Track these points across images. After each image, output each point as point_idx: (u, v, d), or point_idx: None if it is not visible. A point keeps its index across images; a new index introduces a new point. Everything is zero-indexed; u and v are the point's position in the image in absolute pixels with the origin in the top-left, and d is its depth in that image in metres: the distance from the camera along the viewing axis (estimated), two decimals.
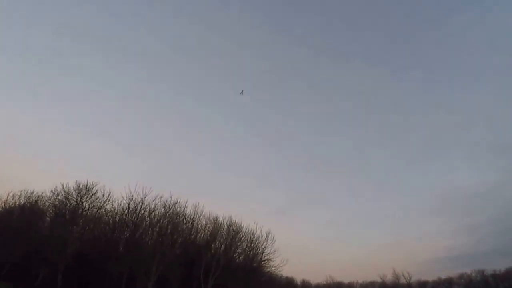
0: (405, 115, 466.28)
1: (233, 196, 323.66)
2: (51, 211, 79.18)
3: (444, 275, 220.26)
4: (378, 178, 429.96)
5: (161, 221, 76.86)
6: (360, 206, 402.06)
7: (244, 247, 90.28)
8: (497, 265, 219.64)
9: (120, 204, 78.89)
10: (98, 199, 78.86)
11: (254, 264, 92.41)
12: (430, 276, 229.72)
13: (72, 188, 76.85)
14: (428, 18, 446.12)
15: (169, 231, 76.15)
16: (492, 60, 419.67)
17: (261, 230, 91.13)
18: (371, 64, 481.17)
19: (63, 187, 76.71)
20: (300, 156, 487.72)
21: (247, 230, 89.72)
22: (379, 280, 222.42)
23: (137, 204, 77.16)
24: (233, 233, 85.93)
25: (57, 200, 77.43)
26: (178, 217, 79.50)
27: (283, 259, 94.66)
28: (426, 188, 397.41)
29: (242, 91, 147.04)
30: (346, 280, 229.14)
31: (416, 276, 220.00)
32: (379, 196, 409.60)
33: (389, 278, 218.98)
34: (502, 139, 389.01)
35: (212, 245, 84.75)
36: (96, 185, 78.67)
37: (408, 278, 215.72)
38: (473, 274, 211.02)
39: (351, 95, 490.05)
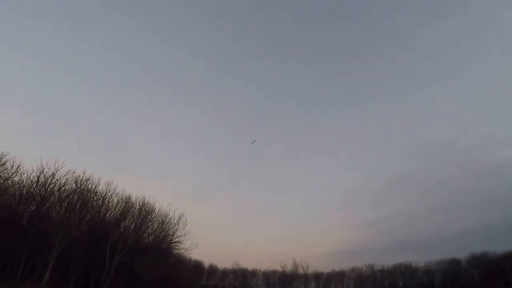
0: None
1: (150, 175, 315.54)
2: None
3: (338, 267, 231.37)
4: (289, 171, 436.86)
5: (71, 196, 71.47)
6: (270, 197, 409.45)
7: (155, 227, 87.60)
8: (387, 261, 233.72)
9: (29, 177, 72.08)
10: (6, 170, 70.89)
11: (164, 245, 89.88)
12: (326, 268, 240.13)
13: None
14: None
15: (77, 207, 71.01)
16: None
17: (174, 213, 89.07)
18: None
19: None
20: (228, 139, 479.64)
21: (159, 211, 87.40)
22: (280, 269, 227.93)
23: (47, 178, 71.13)
24: (145, 213, 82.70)
25: None
26: (88, 194, 74.61)
27: (193, 243, 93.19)
28: (332, 184, 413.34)
29: (254, 141, 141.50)
30: (250, 267, 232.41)
31: (314, 267, 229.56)
32: (287, 189, 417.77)
33: (289, 267, 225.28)
34: (407, 140, 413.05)
35: (122, 224, 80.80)
36: (6, 155, 70.73)
37: (306, 269, 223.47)
38: (364, 269, 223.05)
39: None
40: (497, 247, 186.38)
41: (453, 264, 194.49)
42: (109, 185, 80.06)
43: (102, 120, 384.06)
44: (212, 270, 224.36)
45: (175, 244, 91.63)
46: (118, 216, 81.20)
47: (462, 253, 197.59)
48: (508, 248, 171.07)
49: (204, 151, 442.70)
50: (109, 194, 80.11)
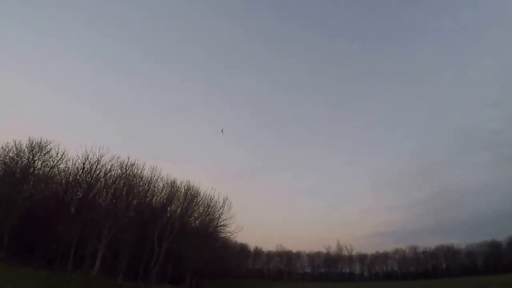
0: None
1: (192, 161, 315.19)
2: (0, 168, 68.25)
3: (381, 249, 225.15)
4: (333, 153, 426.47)
5: (117, 182, 68.37)
6: (313, 179, 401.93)
7: (201, 211, 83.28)
8: (429, 243, 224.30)
9: (75, 164, 69.82)
10: (51, 158, 69.32)
11: (210, 229, 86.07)
12: (370, 250, 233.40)
13: (24, 146, 67.08)
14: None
15: (124, 193, 67.95)
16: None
17: (218, 196, 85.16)
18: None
19: (15, 144, 66.71)
20: (267, 122, 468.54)
21: (204, 194, 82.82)
22: (324, 251, 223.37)
23: (92, 164, 68.55)
24: (190, 197, 78.32)
25: (7, 157, 66.87)
26: (134, 179, 71.20)
27: (238, 226, 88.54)
28: (371, 165, 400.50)
29: (222, 130, 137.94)
30: (294, 249, 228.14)
31: (357, 249, 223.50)
32: (331, 170, 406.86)
33: (333, 249, 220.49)
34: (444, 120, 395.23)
35: (168, 209, 77.39)
36: (50, 143, 69.07)
37: (350, 250, 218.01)
38: (407, 250, 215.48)
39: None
40: None
41: (494, 246, 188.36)
42: (154, 170, 76.41)
43: (142, 107, 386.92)
44: (257, 253, 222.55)
45: (221, 227, 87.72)
46: (164, 201, 77.83)
47: (501, 236, 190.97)
48: None
49: (246, 134, 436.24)
50: (155, 179, 76.51)
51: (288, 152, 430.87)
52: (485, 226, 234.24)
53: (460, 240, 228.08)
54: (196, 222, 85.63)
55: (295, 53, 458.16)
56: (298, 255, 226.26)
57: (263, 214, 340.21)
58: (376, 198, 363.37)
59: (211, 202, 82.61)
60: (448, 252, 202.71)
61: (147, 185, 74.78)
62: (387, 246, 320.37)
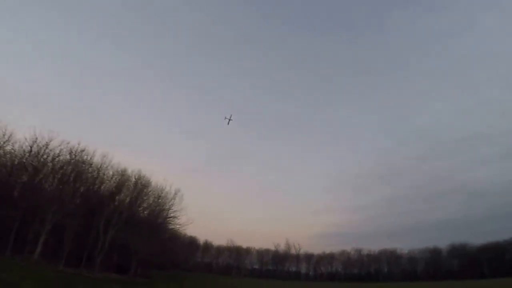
0: None
1: (146, 153, 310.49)
2: None
3: (328, 250, 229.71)
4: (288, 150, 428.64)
5: (64, 167, 67.03)
6: (266, 177, 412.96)
7: (151, 202, 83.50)
8: (373, 246, 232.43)
9: (22, 147, 67.06)
10: None
11: (159, 220, 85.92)
12: (317, 250, 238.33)
13: None
14: None
15: (71, 179, 66.85)
16: None
17: (170, 187, 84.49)
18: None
19: None
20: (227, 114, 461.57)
21: (156, 185, 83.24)
22: (273, 248, 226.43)
23: (40, 148, 66.53)
24: (141, 186, 78.46)
25: None
26: (83, 165, 70.09)
27: (188, 218, 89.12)
28: (325, 167, 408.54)
29: (230, 118, 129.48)
30: (244, 245, 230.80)
31: (305, 248, 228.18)
32: (284, 168, 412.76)
33: (282, 247, 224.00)
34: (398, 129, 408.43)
35: (117, 197, 76.44)
36: None
37: (298, 249, 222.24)
38: (352, 252, 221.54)
39: None
40: (477, 238, 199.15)
41: (435, 253, 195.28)
42: (104, 156, 75.73)
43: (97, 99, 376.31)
44: (207, 246, 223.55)
45: (171, 219, 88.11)
46: (113, 189, 76.96)
47: (444, 242, 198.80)
48: (487, 239, 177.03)
49: (200, 130, 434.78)
50: (105, 166, 75.85)
51: (248, 148, 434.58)
52: (430, 232, 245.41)
53: (404, 245, 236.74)
54: (145, 212, 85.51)
55: (267, 47, 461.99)
56: (247, 251, 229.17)
57: (215, 207, 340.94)
58: (330, 199, 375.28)
59: (162, 193, 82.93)
60: (391, 256, 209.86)
61: (96, 172, 74.00)
62: (333, 247, 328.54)
